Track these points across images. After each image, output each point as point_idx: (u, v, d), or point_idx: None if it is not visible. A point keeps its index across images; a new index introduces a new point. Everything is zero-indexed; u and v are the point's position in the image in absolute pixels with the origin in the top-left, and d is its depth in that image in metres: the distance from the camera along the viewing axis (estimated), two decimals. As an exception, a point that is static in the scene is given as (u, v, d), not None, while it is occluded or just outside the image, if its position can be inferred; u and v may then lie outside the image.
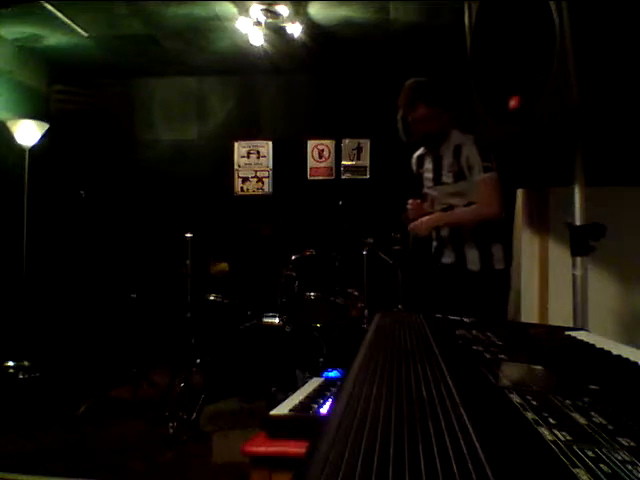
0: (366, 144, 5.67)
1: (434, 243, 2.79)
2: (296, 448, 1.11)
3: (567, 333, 1.15)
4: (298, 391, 1.45)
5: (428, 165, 2.78)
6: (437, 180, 2.71)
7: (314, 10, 4.42)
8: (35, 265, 4.66)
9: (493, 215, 2.50)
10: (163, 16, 4.52)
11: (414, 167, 2.93)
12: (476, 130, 2.28)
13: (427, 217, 2.65)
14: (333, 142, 5.71)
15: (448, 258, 2.68)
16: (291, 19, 4.54)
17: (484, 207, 2.50)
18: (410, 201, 2.86)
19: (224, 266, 4.06)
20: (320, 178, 5.73)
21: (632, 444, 0.45)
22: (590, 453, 0.42)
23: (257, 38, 4.70)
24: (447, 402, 0.54)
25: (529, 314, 2.40)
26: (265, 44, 4.85)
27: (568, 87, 1.48)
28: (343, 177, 5.70)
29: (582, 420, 0.51)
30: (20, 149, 4.57)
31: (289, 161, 5.76)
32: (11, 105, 5.03)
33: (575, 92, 1.48)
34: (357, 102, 5.58)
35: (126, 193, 5.65)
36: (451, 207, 2.65)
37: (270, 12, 4.42)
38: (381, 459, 0.40)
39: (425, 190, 2.83)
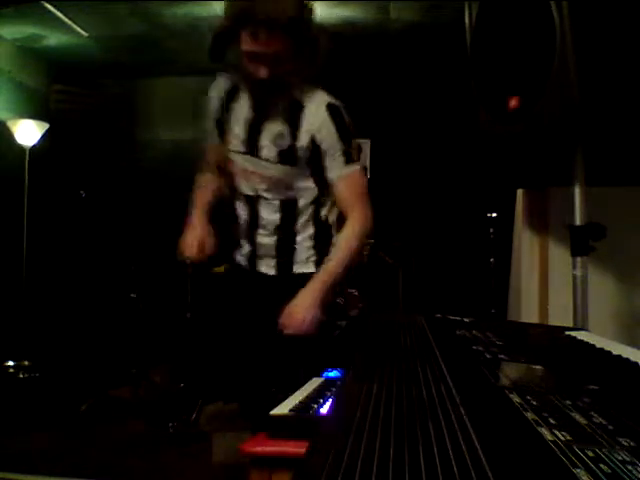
0: (366, 144, 5.67)
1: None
2: (296, 448, 1.10)
3: (567, 333, 1.15)
4: (298, 391, 1.45)
5: (244, 113, 1.73)
6: (252, 147, 1.70)
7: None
8: (35, 265, 4.66)
9: (370, 231, 1.73)
10: (163, 16, 4.52)
11: (213, 102, 1.86)
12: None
13: (301, 313, 1.62)
14: (333, 142, 5.71)
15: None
16: (291, 19, 4.53)
17: (361, 225, 1.68)
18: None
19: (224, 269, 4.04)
20: (320, 178, 5.73)
21: (632, 444, 0.45)
22: (590, 453, 0.42)
23: (257, 38, 4.69)
24: (447, 402, 0.54)
25: (529, 314, 2.40)
26: (265, 44, 4.85)
27: (568, 87, 1.48)
28: (343, 177, 5.69)
29: (582, 420, 0.51)
30: (20, 149, 4.57)
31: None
32: (11, 105, 5.03)
33: (575, 92, 1.48)
34: (357, 102, 5.57)
35: (126, 193, 5.65)
36: (259, 198, 1.74)
37: (270, 12, 4.42)
38: (381, 459, 0.40)
39: (230, 151, 1.75)
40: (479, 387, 0.64)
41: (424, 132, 5.36)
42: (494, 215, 3.90)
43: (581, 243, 1.65)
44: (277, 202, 1.74)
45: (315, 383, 1.56)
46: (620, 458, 0.41)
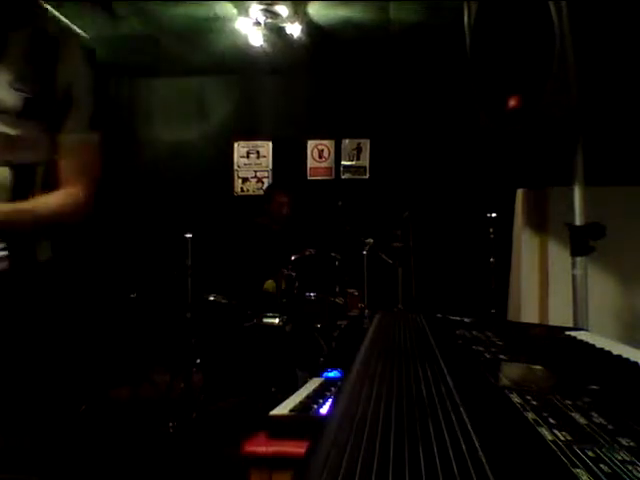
0: (366, 144, 5.67)
1: None
2: (296, 448, 1.11)
3: (567, 333, 1.15)
4: (298, 391, 1.45)
5: None
6: None
7: (314, 10, 4.42)
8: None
9: (82, 216, 1.47)
10: (163, 16, 4.52)
11: None
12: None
13: None
14: (333, 142, 5.71)
15: None
16: (291, 19, 4.53)
17: (74, 203, 1.41)
18: None
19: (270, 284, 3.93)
20: (320, 178, 5.73)
21: (632, 444, 0.45)
22: (590, 453, 0.42)
23: (257, 38, 4.70)
24: (447, 402, 0.54)
25: (529, 314, 2.40)
26: (265, 44, 4.85)
27: (568, 87, 1.48)
28: (343, 177, 5.70)
29: (582, 420, 0.51)
30: (20, 149, 4.58)
31: (289, 161, 5.76)
32: (11, 105, 5.03)
33: (575, 92, 1.48)
34: (357, 102, 5.57)
35: (126, 193, 5.65)
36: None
37: (270, 12, 4.42)
38: (381, 459, 0.40)
39: None
40: (479, 387, 0.64)
41: (424, 132, 5.36)
42: (494, 215, 3.90)
43: (581, 243, 1.65)
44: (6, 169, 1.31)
45: (315, 383, 1.56)
46: (620, 458, 0.41)
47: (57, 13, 4.39)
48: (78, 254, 5.32)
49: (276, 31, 4.71)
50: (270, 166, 5.82)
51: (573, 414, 0.53)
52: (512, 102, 1.71)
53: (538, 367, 0.76)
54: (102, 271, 5.38)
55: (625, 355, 0.85)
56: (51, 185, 1.38)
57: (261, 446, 1.20)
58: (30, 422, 1.44)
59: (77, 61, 1.33)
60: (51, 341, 1.40)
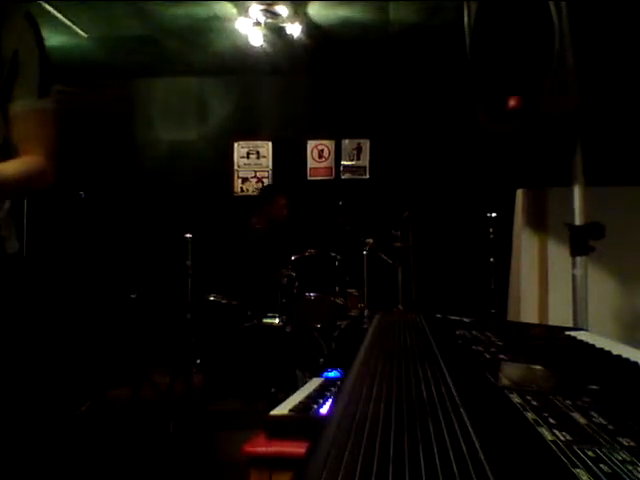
0: (366, 144, 5.67)
1: None
2: (296, 448, 1.10)
3: (567, 333, 1.15)
4: (298, 391, 1.45)
5: None
6: None
7: (313, 10, 4.42)
8: (34, 266, 4.65)
9: (45, 183, 1.40)
10: (163, 16, 4.52)
11: None
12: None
13: None
14: (333, 142, 5.71)
15: None
16: (290, 19, 4.54)
17: (37, 170, 1.35)
18: None
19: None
20: (320, 178, 5.73)
21: (632, 444, 0.45)
22: (590, 453, 0.42)
23: (257, 38, 4.70)
24: (447, 402, 0.54)
25: (529, 314, 2.40)
26: (265, 44, 4.85)
27: (567, 87, 1.48)
28: (343, 177, 5.70)
29: (582, 420, 0.51)
30: (20, 149, 4.57)
31: (289, 161, 5.76)
32: (11, 105, 5.02)
33: (574, 91, 1.48)
34: (357, 102, 5.58)
35: (126, 193, 5.65)
36: None
37: (269, 12, 4.43)
38: (381, 459, 0.40)
39: None
40: (479, 387, 0.64)
41: (424, 132, 5.36)
42: (494, 215, 3.91)
43: (581, 243, 1.65)
44: None
45: (315, 383, 1.56)
46: (620, 458, 0.41)
47: (59, 14, 4.39)
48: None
49: (276, 31, 4.71)
50: (270, 166, 5.82)
51: (573, 414, 0.53)
52: (512, 102, 1.71)
53: (538, 367, 0.76)
54: (102, 271, 5.38)
55: (625, 355, 0.85)
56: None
57: (261, 446, 1.20)
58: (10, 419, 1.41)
59: (20, 29, 1.28)
60: (18, 334, 1.36)
